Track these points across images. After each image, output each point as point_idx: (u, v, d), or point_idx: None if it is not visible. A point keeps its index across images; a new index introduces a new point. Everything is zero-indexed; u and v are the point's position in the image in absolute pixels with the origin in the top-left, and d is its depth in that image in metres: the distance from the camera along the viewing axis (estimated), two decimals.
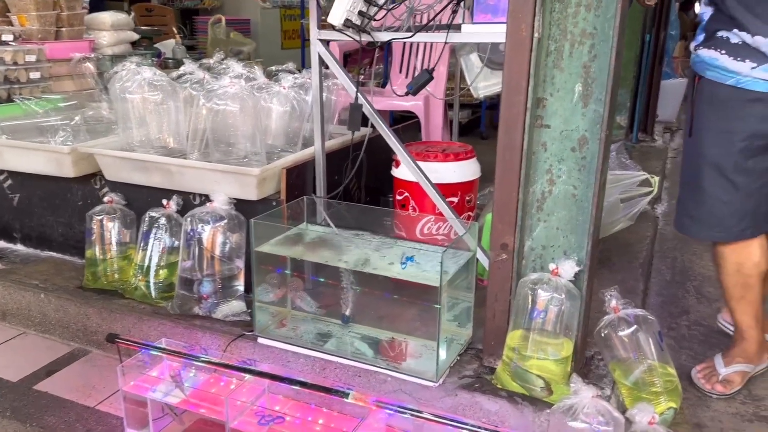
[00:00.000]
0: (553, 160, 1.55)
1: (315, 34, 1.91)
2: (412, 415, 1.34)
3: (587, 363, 1.73)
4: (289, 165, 2.03)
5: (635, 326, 1.59)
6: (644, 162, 3.81)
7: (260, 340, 1.83)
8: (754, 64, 1.56)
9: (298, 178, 2.06)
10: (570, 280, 1.57)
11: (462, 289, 1.83)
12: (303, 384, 1.42)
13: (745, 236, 1.72)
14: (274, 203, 2.00)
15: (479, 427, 1.32)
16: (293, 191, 2.03)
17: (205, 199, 2.05)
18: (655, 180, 2.51)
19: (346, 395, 1.37)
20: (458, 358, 1.75)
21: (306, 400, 1.64)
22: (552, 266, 1.58)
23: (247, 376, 1.55)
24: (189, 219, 1.96)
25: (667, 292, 2.39)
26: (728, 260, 1.76)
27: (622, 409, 1.45)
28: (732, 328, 2.00)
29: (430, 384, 1.63)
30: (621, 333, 1.60)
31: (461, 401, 1.61)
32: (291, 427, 1.50)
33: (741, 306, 1.77)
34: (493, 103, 5.14)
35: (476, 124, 5.01)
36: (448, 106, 3.91)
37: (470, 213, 2.27)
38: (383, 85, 3.95)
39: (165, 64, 4.10)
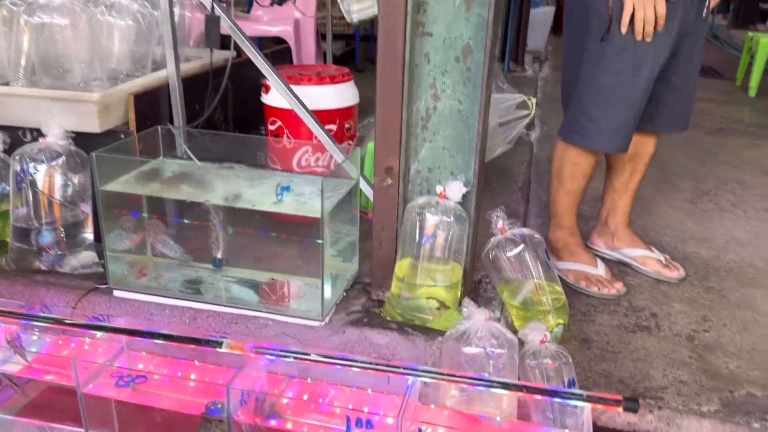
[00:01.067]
0: (437, 73, 1.42)
1: None
2: (295, 358, 1.20)
3: (475, 287, 1.68)
4: (137, 90, 1.75)
5: (522, 245, 1.54)
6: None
7: (116, 292, 1.59)
8: None
9: (149, 106, 1.79)
10: (458, 202, 1.48)
11: (345, 221, 1.69)
12: (167, 337, 1.23)
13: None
14: (123, 136, 1.73)
15: (368, 363, 1.21)
16: (145, 121, 1.76)
17: (38, 134, 1.73)
18: (533, 102, 2.49)
19: (220, 344, 1.21)
20: (345, 294, 1.64)
21: (176, 355, 1.45)
22: (439, 188, 1.48)
23: (99, 334, 1.33)
24: (18, 158, 1.64)
25: (545, 214, 2.40)
26: (585, 164, 1.80)
27: (512, 330, 1.41)
28: (602, 251, 2.05)
29: (316, 324, 1.50)
30: (509, 253, 1.55)
31: (349, 338, 1.49)
32: (158, 386, 1.31)
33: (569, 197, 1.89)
34: (367, 35, 4.96)
35: (351, 56, 4.81)
36: (321, 36, 3.69)
37: (350, 142, 2.13)
38: (248, 12, 3.63)
39: None
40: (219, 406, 1.21)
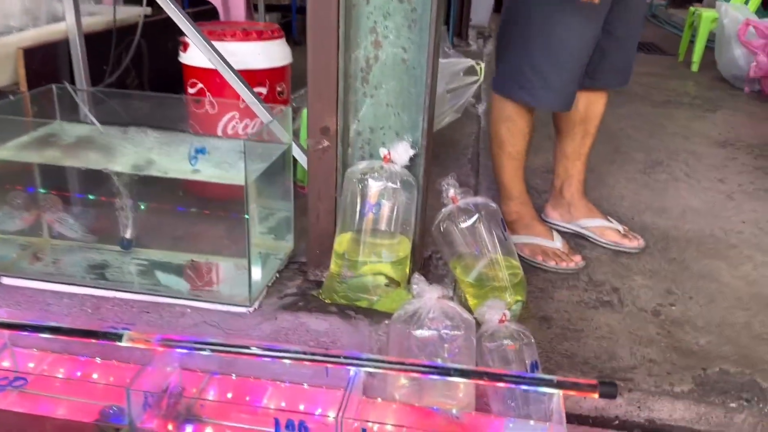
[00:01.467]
0: (378, 15, 1.23)
1: None
2: (212, 351, 1.00)
3: (425, 264, 1.52)
4: (28, 44, 1.49)
5: (477, 215, 1.38)
6: None
7: (5, 280, 1.35)
8: None
9: (45, 63, 1.54)
10: (405, 167, 1.30)
11: (277, 194, 1.49)
12: (55, 330, 1.01)
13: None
14: (12, 96, 1.47)
15: (303, 353, 1.02)
16: (39, 81, 1.50)
17: None
18: (481, 66, 2.34)
19: (120, 337, 0.99)
20: (278, 275, 1.44)
21: (76, 351, 1.22)
22: (383, 151, 1.30)
23: None
24: None
25: (496, 187, 2.26)
26: (521, 122, 1.68)
27: (466, 310, 1.25)
28: (557, 224, 1.92)
29: (243, 310, 1.30)
30: (462, 225, 1.38)
31: (283, 325, 1.30)
32: (51, 388, 1.09)
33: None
34: (303, 6, 4.70)
35: (287, 29, 4.55)
36: (253, 7, 3.43)
37: (283, 108, 1.91)
38: None
39: None
40: (116, 410, 0.99)
